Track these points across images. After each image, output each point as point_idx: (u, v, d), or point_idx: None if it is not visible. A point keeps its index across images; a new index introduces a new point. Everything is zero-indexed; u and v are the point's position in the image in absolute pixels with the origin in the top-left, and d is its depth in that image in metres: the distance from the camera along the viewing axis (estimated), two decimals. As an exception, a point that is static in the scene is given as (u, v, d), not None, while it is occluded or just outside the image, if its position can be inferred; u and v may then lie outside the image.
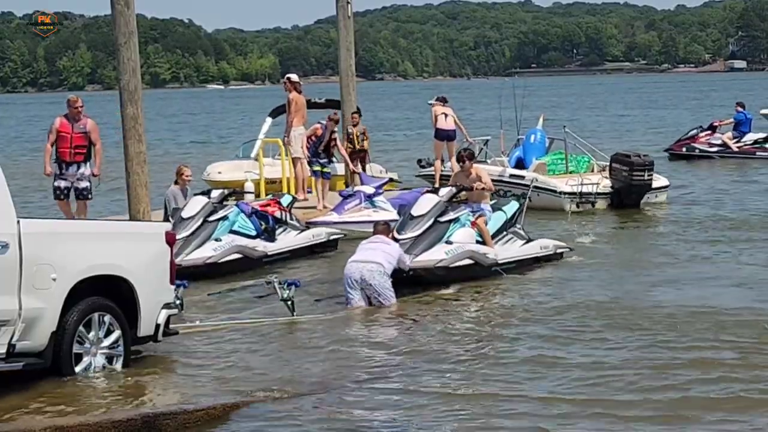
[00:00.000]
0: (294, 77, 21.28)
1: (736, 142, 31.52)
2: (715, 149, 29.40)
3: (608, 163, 22.40)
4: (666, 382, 9.56)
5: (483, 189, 15.46)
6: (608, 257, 16.55)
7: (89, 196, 16.92)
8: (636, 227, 20.16)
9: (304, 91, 21.48)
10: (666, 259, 16.27)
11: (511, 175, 22.21)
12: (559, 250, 16.27)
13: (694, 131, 32.30)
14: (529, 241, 15.97)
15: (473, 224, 14.94)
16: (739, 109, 32.75)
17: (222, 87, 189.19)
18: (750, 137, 32.12)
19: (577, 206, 21.50)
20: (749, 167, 29.20)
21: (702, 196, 23.89)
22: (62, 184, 16.73)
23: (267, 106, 30.33)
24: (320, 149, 20.47)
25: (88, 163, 16.81)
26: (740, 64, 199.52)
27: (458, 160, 16.16)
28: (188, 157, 34.62)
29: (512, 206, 16.14)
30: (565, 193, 21.50)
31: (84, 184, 16.74)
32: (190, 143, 47.85)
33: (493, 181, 21.00)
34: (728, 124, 32.74)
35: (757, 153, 31.09)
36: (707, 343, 10.95)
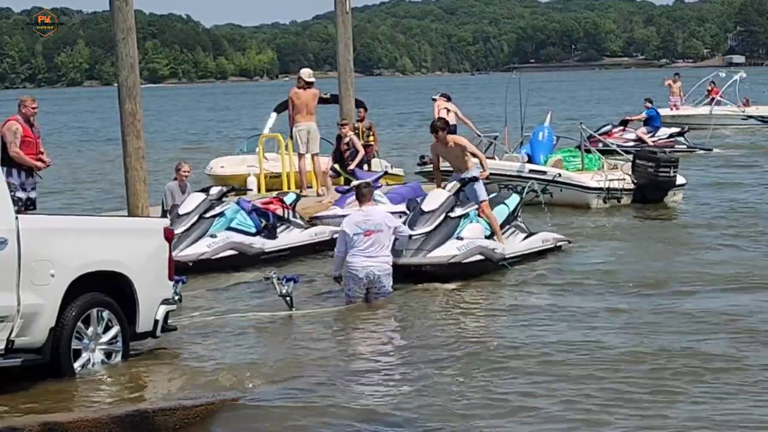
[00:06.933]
0: (304, 74, 20.94)
1: (651, 136, 31.78)
2: (630, 144, 29.62)
3: (622, 160, 22.39)
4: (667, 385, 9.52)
5: (482, 175, 15.48)
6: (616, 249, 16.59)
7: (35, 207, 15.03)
8: (661, 222, 20.12)
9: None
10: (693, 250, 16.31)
11: (531, 171, 21.72)
12: (559, 243, 16.35)
13: (608, 127, 32.50)
14: (530, 234, 16.01)
15: (481, 213, 14.97)
16: (649, 105, 33.21)
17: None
18: (664, 131, 32.51)
19: (604, 201, 21.40)
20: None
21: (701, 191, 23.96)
22: (24, 195, 14.72)
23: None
24: (344, 159, 20.43)
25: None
26: (739, 59, 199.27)
27: (432, 131, 15.88)
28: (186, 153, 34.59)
29: (513, 199, 16.16)
30: (591, 189, 21.37)
31: (35, 194, 15.01)
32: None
33: (510, 176, 21.15)
34: (639, 120, 33.06)
35: (676, 146, 31.03)
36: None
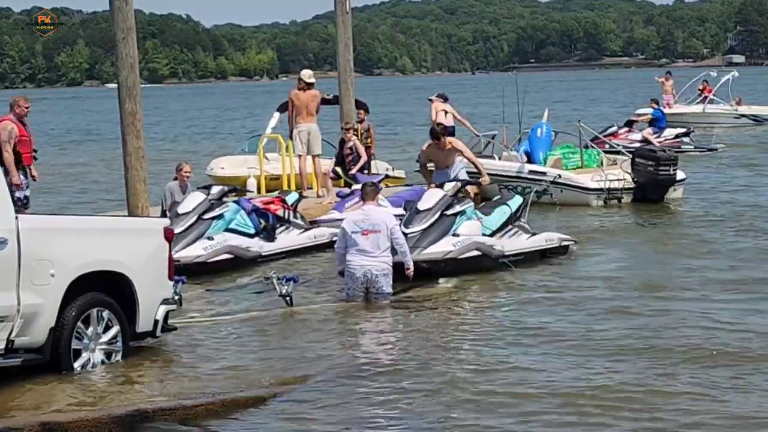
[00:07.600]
0: (304, 75, 20.98)
1: (657, 137, 31.74)
2: (636, 145, 29.58)
3: (622, 157, 22.40)
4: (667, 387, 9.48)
5: (478, 186, 15.62)
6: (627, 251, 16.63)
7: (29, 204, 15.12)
8: (663, 221, 20.10)
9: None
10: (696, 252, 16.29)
11: (531, 171, 21.69)
12: (564, 243, 16.27)
13: (613, 128, 32.45)
14: (534, 234, 16.03)
15: (467, 192, 15.09)
16: (655, 105, 33.36)
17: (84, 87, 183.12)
18: (670, 132, 32.49)
19: (605, 202, 21.39)
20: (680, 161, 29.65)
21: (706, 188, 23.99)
22: (21, 194, 14.77)
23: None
24: (347, 162, 20.47)
25: None
26: (739, 58, 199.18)
27: (433, 138, 16.00)
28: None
29: (516, 201, 16.19)
30: (592, 190, 21.35)
31: (29, 191, 15.08)
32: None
33: (509, 177, 21.14)
34: (644, 120, 33.03)
35: (682, 147, 30.99)
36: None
